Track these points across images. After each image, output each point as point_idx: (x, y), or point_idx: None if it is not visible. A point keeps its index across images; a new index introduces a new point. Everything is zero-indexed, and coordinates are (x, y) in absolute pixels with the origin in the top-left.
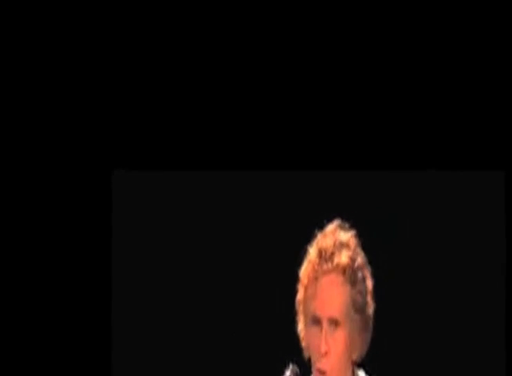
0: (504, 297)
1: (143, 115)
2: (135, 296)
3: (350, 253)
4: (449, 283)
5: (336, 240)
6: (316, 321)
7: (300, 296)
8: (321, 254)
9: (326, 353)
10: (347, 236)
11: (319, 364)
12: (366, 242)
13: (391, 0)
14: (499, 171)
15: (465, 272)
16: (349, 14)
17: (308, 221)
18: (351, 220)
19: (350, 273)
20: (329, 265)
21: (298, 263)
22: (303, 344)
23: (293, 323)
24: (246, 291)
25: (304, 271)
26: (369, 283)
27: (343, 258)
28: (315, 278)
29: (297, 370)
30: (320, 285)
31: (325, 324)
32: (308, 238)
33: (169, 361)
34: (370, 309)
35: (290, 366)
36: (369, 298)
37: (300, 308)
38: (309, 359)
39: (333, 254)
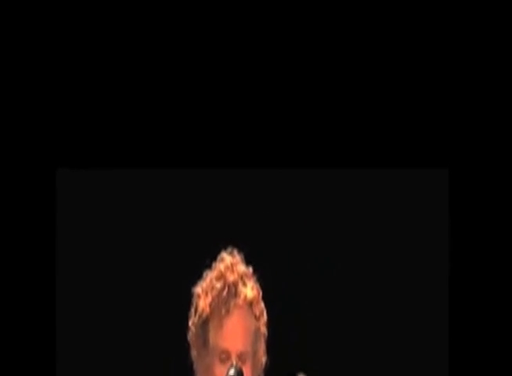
0: (447, 295)
1: (86, 113)
2: (78, 296)
3: (254, 285)
4: (393, 282)
5: (239, 272)
6: (224, 356)
7: (195, 322)
8: (227, 287)
9: None
10: (247, 269)
11: None
12: (309, 241)
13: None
14: (444, 170)
15: (409, 271)
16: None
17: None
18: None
19: (256, 305)
20: (238, 300)
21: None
22: (199, 371)
23: None
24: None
25: (205, 299)
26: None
27: (249, 291)
28: (220, 311)
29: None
30: (229, 320)
31: (234, 360)
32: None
33: (111, 359)
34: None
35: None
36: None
37: (194, 332)
38: None
39: (238, 288)
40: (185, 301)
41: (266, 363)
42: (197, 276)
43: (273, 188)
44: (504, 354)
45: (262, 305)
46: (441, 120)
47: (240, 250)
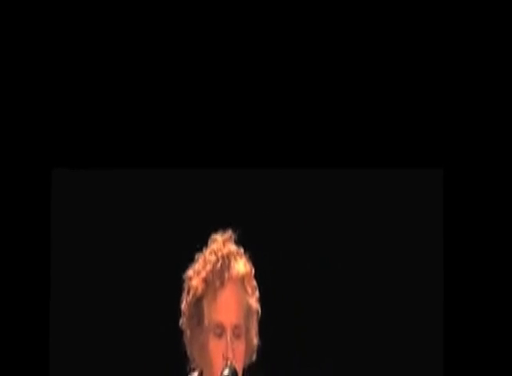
0: (442, 293)
1: (82, 114)
2: (73, 296)
3: (246, 262)
4: (386, 280)
5: (230, 249)
6: (219, 330)
7: (189, 302)
8: (221, 260)
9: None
10: (237, 247)
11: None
12: (305, 240)
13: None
14: (438, 169)
15: (403, 270)
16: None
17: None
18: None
19: (248, 281)
20: (232, 273)
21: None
22: (193, 354)
23: None
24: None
25: (198, 277)
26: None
27: (242, 267)
28: (214, 284)
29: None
30: (223, 293)
31: (229, 333)
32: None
33: (106, 359)
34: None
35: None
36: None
37: (187, 314)
38: (201, 373)
39: (231, 262)
40: (179, 295)
41: (259, 346)
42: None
43: (267, 188)
44: (497, 351)
45: (254, 282)
46: (436, 120)
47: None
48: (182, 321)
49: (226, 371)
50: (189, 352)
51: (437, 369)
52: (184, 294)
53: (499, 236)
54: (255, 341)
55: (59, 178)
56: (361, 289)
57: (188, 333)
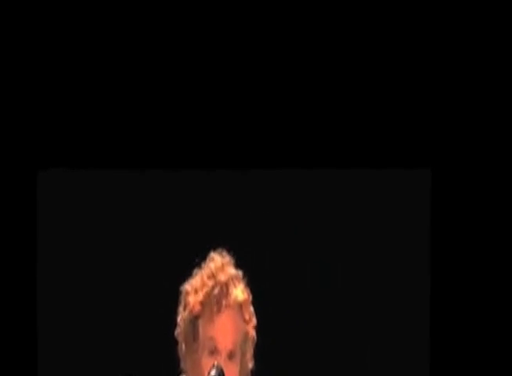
0: (429, 293)
1: (69, 115)
2: (60, 299)
3: (244, 289)
4: (374, 281)
5: (229, 274)
6: (214, 353)
7: (185, 317)
8: (219, 286)
9: None
10: (237, 272)
11: None
12: (294, 241)
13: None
14: (426, 170)
15: (391, 269)
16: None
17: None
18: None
19: (246, 308)
20: (229, 300)
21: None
22: (186, 367)
23: None
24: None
25: (195, 296)
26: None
27: (240, 294)
28: (211, 309)
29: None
30: (220, 318)
31: (223, 355)
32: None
33: (95, 360)
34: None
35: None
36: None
37: (184, 328)
38: None
39: (229, 288)
40: (173, 299)
41: (253, 370)
42: (185, 275)
43: (263, 188)
44: (484, 351)
45: (252, 309)
46: (423, 121)
47: (230, 251)
48: (178, 333)
49: (213, 371)
50: (182, 364)
51: (423, 368)
52: (180, 307)
53: (486, 236)
54: (250, 364)
55: (44, 180)
56: (350, 292)
57: (183, 346)
